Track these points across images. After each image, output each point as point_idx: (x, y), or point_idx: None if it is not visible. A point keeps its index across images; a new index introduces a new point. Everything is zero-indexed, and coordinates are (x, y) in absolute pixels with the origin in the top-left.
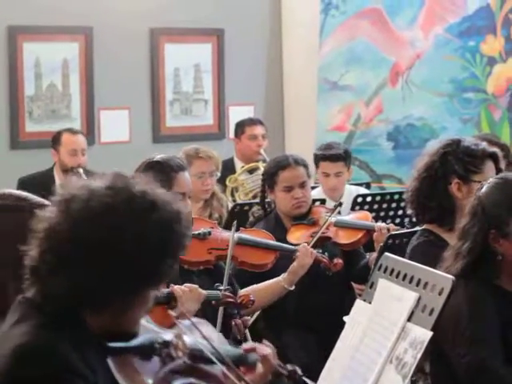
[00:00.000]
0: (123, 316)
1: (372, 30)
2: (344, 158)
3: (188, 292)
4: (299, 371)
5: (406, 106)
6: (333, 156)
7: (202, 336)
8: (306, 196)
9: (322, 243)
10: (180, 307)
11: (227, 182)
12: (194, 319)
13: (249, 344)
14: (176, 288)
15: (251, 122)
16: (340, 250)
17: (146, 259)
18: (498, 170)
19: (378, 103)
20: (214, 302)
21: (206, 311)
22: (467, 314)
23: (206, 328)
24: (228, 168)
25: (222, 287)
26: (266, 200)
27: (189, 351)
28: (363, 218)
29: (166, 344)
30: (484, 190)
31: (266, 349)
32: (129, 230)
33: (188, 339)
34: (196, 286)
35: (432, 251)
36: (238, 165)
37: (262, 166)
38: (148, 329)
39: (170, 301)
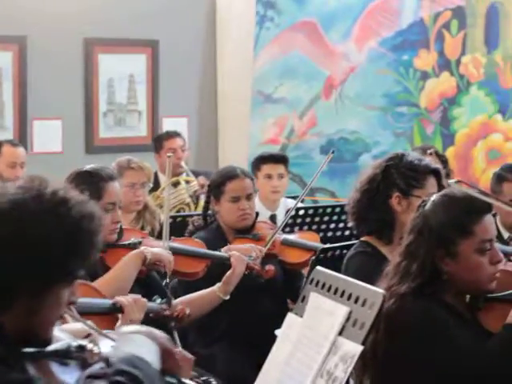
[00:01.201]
0: (35, 317)
1: (306, 43)
2: (285, 161)
3: (133, 302)
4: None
5: (340, 120)
6: (275, 157)
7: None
8: (251, 208)
9: (268, 260)
10: (126, 317)
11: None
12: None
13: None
14: (121, 298)
15: (168, 135)
16: (281, 267)
17: (50, 255)
18: (441, 187)
19: (312, 116)
20: (151, 314)
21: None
22: (427, 326)
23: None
24: (153, 182)
25: (159, 300)
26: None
27: (104, 356)
28: (310, 238)
29: (82, 348)
30: (429, 207)
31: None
32: (34, 225)
33: (103, 344)
34: (140, 296)
35: (368, 263)
36: (163, 179)
37: (183, 180)
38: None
39: (116, 311)
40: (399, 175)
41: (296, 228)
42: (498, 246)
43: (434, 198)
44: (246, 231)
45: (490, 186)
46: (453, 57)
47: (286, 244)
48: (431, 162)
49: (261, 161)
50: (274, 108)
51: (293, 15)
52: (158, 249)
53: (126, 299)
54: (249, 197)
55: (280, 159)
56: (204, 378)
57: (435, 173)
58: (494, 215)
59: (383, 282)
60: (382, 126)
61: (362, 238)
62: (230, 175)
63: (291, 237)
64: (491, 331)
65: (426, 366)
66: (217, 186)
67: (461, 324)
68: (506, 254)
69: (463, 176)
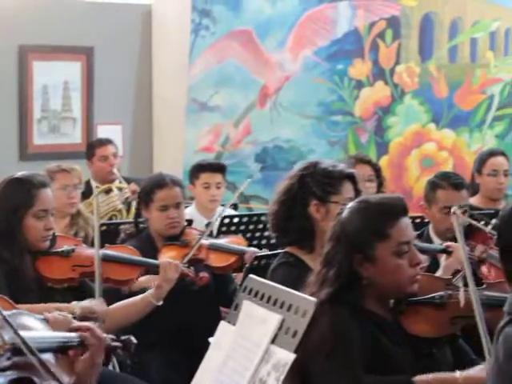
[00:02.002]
0: None
1: (241, 52)
2: (223, 170)
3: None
4: (133, 340)
5: (274, 128)
6: (213, 166)
7: (13, 330)
8: (180, 216)
9: (194, 265)
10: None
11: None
12: (13, 311)
13: (74, 324)
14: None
15: (100, 143)
16: (211, 272)
17: None
18: (357, 191)
19: (247, 125)
20: None
21: None
22: (333, 340)
23: (28, 318)
24: (86, 190)
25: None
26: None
27: (9, 346)
28: (236, 242)
29: None
30: (345, 214)
31: (89, 325)
32: None
33: (7, 335)
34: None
35: (292, 273)
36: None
37: (115, 187)
38: None
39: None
40: (315, 183)
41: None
42: (425, 244)
43: (350, 205)
44: (175, 238)
45: (423, 194)
46: (387, 66)
47: (212, 248)
48: (345, 167)
49: (199, 169)
50: (209, 116)
51: (228, 24)
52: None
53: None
54: (177, 205)
55: (218, 168)
56: (123, 338)
57: (350, 177)
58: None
59: (306, 291)
60: (317, 135)
61: (285, 249)
62: (158, 184)
63: (218, 241)
64: (414, 334)
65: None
66: (146, 194)
67: (376, 331)
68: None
69: (397, 184)
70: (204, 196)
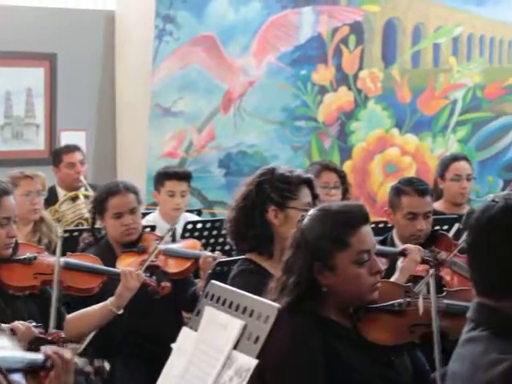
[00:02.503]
0: None
1: (205, 57)
2: (188, 178)
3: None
4: (107, 366)
5: (238, 134)
6: (179, 174)
7: None
8: (136, 222)
9: (152, 271)
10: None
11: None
12: None
13: (48, 349)
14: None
15: (68, 149)
16: (169, 278)
17: None
18: (314, 196)
19: (210, 130)
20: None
21: None
22: (293, 350)
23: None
24: (51, 196)
25: (34, 323)
26: (97, 226)
27: None
28: (192, 246)
29: None
30: (306, 222)
31: (65, 351)
32: None
33: None
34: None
35: (251, 280)
36: (61, 193)
37: (81, 194)
38: None
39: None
40: (273, 189)
41: None
42: (383, 248)
43: (310, 212)
44: (132, 244)
45: (388, 200)
46: (350, 71)
47: (168, 254)
48: (302, 172)
49: (164, 177)
50: (172, 121)
51: (192, 29)
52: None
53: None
54: (132, 211)
55: (184, 177)
56: (97, 365)
57: (308, 182)
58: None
59: (267, 298)
60: (281, 140)
61: (244, 256)
62: (111, 191)
63: (172, 247)
64: (372, 342)
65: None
66: (100, 203)
67: (334, 340)
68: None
69: (361, 190)
70: (168, 204)
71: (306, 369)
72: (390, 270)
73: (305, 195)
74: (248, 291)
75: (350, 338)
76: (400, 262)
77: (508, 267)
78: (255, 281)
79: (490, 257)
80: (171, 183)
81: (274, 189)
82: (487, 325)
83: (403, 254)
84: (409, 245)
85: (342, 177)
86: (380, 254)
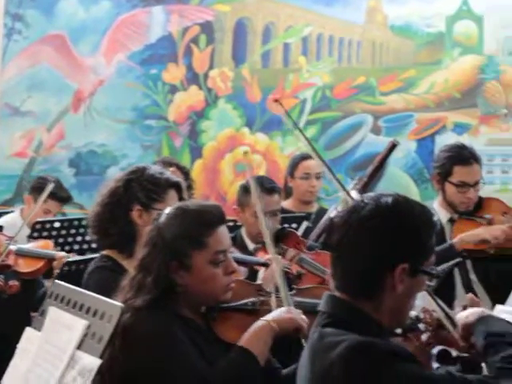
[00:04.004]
0: None
1: (55, 56)
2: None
3: None
4: None
5: (88, 133)
6: (64, 198)
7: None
8: None
9: (2, 271)
10: None
11: None
12: None
13: None
14: None
15: None
16: (19, 277)
17: None
18: (181, 200)
19: (60, 129)
20: None
21: None
22: (163, 345)
23: None
24: None
25: None
26: None
27: None
28: (44, 246)
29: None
30: (163, 220)
31: None
32: None
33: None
34: None
35: (109, 278)
36: None
37: None
38: None
39: None
40: (140, 188)
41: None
42: (235, 255)
43: (167, 210)
44: None
45: (237, 198)
46: (201, 71)
47: (20, 254)
48: (172, 175)
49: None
50: (21, 121)
51: (41, 28)
52: None
53: None
54: None
55: (66, 200)
56: None
57: (176, 186)
58: None
59: (120, 296)
60: (131, 139)
61: (103, 252)
62: None
63: (25, 246)
64: (226, 341)
65: (156, 379)
66: None
67: (195, 337)
68: (245, 263)
69: (211, 188)
70: (37, 215)
71: (178, 355)
72: (252, 277)
73: (172, 198)
74: (104, 289)
75: (205, 337)
76: (261, 273)
77: (371, 267)
78: (112, 278)
79: (354, 257)
80: (53, 203)
81: (142, 189)
82: (333, 314)
83: (266, 264)
84: (271, 256)
85: (185, 173)
86: (243, 262)
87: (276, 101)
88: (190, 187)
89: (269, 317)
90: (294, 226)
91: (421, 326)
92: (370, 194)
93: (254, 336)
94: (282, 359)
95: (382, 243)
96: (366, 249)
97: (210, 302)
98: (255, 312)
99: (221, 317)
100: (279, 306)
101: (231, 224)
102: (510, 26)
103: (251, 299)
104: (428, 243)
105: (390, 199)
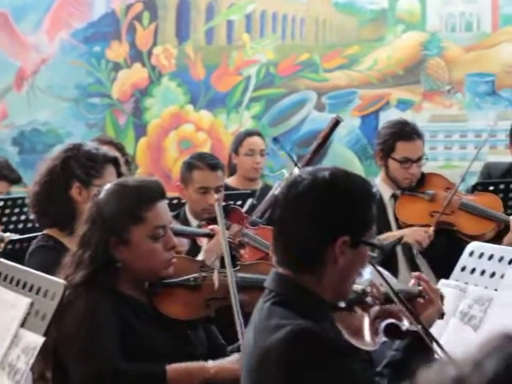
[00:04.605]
0: None
1: None
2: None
3: None
4: None
5: (32, 111)
6: (15, 179)
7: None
8: None
9: None
10: None
11: None
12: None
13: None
14: None
15: None
16: None
17: None
18: (120, 175)
19: (3, 108)
20: None
21: None
22: (87, 324)
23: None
24: None
25: None
26: None
27: None
28: None
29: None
30: (102, 196)
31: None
32: None
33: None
34: None
35: (50, 257)
36: None
37: None
38: None
39: None
40: (78, 165)
41: None
42: (178, 227)
43: (107, 186)
44: None
45: (180, 175)
46: (144, 48)
47: None
48: (108, 150)
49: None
50: None
51: None
52: None
53: None
54: None
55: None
56: None
57: (113, 161)
58: None
59: (62, 273)
60: (75, 117)
61: (44, 231)
62: None
63: None
64: (169, 316)
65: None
66: None
67: (128, 315)
68: (188, 234)
69: (156, 166)
70: None
71: (100, 340)
72: (195, 250)
73: (110, 174)
74: (46, 268)
75: (146, 313)
76: (205, 243)
77: (311, 240)
78: (54, 257)
79: (294, 231)
80: (2, 184)
81: (80, 165)
82: (279, 293)
83: (210, 235)
84: (216, 226)
85: (120, 149)
86: (186, 234)
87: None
88: (127, 162)
89: (215, 363)
90: (238, 203)
91: (368, 299)
92: (308, 169)
93: (185, 372)
94: (227, 334)
95: (321, 216)
96: (306, 223)
97: (151, 278)
98: (198, 287)
99: (163, 293)
100: (222, 280)
101: (176, 202)
102: (452, 3)
103: (194, 275)
104: (368, 214)
105: (327, 173)
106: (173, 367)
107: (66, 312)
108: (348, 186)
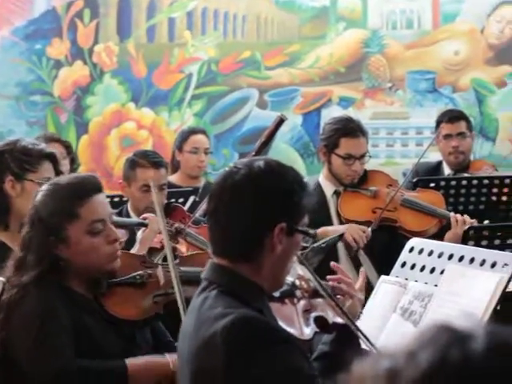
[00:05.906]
0: None
1: None
2: None
3: None
4: None
5: None
6: None
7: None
8: None
9: None
10: None
11: None
12: None
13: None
14: None
15: None
16: None
17: None
18: (57, 172)
19: None
20: None
21: None
22: (40, 321)
23: None
24: None
25: None
26: None
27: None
28: None
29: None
30: (39, 197)
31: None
32: None
33: None
34: None
35: None
36: None
37: None
38: None
39: None
40: (12, 159)
41: None
42: (120, 219)
43: (42, 187)
44: None
45: (122, 172)
46: (86, 45)
47: None
48: (46, 146)
49: None
50: None
51: None
52: None
53: None
54: None
55: None
56: None
57: (50, 157)
58: None
59: (6, 274)
60: (16, 115)
61: None
62: None
63: None
64: (115, 316)
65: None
66: None
67: (80, 314)
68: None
69: (98, 164)
70: None
71: (58, 336)
72: (131, 242)
73: (45, 169)
74: None
75: (96, 311)
76: (140, 234)
77: (249, 229)
78: None
79: (232, 221)
80: None
81: (15, 160)
82: (219, 283)
83: (143, 224)
84: (149, 214)
85: (67, 147)
86: (120, 225)
87: None
88: (72, 161)
89: (173, 357)
90: (180, 200)
91: (297, 292)
92: (243, 160)
93: (144, 369)
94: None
95: (258, 205)
96: (244, 211)
97: (97, 273)
98: (144, 285)
99: (109, 292)
100: (166, 275)
101: (117, 199)
102: (393, 1)
103: (139, 272)
104: (302, 203)
105: (262, 162)
106: (132, 362)
107: (15, 310)
108: (283, 175)
